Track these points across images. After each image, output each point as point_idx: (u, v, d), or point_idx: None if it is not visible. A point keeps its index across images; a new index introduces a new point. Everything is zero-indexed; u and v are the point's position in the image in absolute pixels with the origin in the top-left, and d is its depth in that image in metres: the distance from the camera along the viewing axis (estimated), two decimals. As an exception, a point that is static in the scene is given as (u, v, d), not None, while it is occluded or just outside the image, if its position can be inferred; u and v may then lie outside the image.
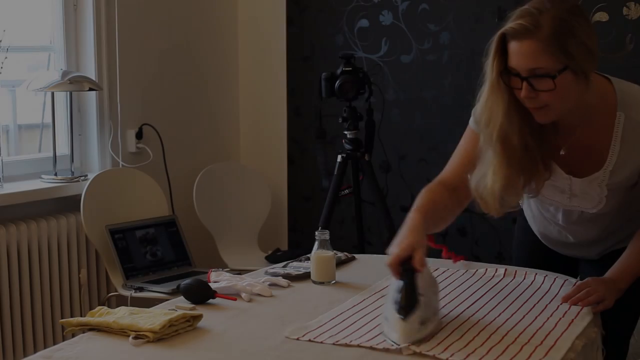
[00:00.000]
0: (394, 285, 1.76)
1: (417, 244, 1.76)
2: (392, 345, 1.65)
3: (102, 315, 1.81)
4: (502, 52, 1.80)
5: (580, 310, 1.91)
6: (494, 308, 1.93)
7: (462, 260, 2.30)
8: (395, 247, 1.76)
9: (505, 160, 1.86)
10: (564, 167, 1.96)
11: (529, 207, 2.24)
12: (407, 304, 1.67)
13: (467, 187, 1.97)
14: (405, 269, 1.73)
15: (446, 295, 2.04)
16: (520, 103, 1.83)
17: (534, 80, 1.77)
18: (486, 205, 1.93)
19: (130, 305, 2.15)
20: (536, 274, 2.19)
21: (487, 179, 1.89)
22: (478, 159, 1.94)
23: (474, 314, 1.89)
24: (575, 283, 2.06)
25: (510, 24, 1.78)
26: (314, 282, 2.16)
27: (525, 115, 1.85)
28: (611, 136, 1.90)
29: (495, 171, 1.87)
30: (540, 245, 2.29)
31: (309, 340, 1.71)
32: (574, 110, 1.86)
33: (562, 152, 1.94)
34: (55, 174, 3.30)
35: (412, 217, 1.85)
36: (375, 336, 1.72)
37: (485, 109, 1.87)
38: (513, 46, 1.78)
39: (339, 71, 3.38)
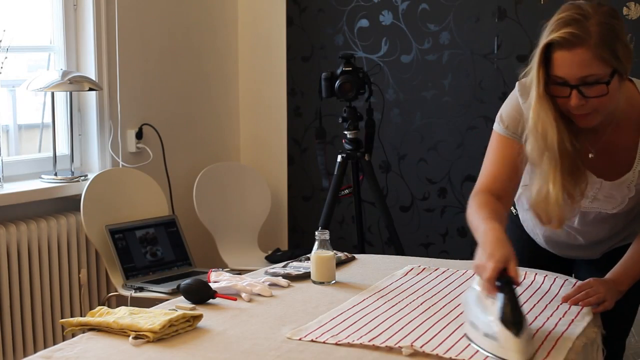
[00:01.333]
0: (474, 298, 1.70)
1: (510, 255, 1.66)
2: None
3: (102, 315, 1.81)
4: (546, 62, 1.77)
5: (581, 310, 1.91)
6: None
7: None
8: (490, 260, 1.65)
9: (560, 168, 1.83)
10: (594, 171, 1.96)
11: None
12: (517, 319, 1.57)
13: (510, 195, 1.97)
14: (505, 282, 1.62)
15: (446, 295, 2.04)
16: (561, 111, 1.82)
17: (584, 88, 1.74)
18: (549, 217, 1.90)
19: (130, 305, 2.15)
20: (536, 274, 2.19)
21: (547, 191, 1.85)
22: (526, 173, 1.92)
23: (474, 314, 1.88)
24: (575, 283, 2.07)
25: (557, 34, 1.74)
26: (314, 282, 2.16)
27: (567, 122, 1.84)
28: (638, 135, 1.90)
29: (555, 181, 1.84)
30: (532, 245, 2.29)
31: (310, 341, 1.71)
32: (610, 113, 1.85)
33: (591, 156, 1.92)
34: (55, 174, 3.30)
35: (492, 228, 1.75)
36: (376, 336, 1.72)
37: (539, 122, 1.82)
38: (561, 56, 1.74)
39: (339, 71, 3.38)
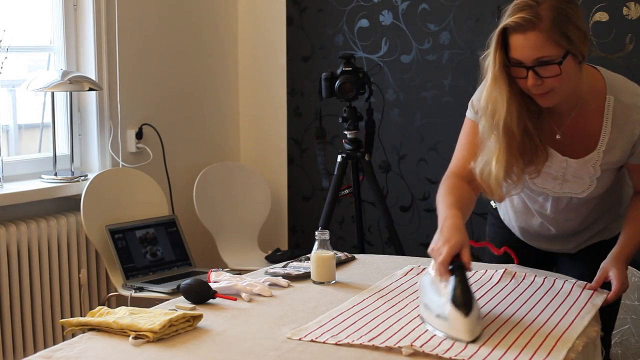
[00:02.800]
0: (429, 283, 1.79)
1: (465, 241, 1.79)
2: (457, 341, 1.66)
3: (102, 315, 1.81)
4: (503, 45, 1.88)
5: (581, 310, 1.91)
6: (494, 308, 1.93)
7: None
8: (444, 245, 1.78)
9: (507, 147, 1.94)
10: (560, 151, 2.04)
11: (510, 204, 2.29)
12: (466, 300, 1.68)
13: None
14: (458, 266, 1.74)
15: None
16: (518, 92, 1.92)
17: (539, 69, 1.85)
18: (491, 191, 2.01)
19: (130, 305, 2.15)
20: (536, 274, 2.19)
21: (491, 166, 1.97)
22: (479, 147, 2.01)
23: (474, 314, 1.89)
24: (575, 282, 2.07)
25: (511, 19, 1.85)
26: (314, 282, 2.16)
27: (524, 103, 1.94)
28: (602, 119, 2.01)
29: (498, 158, 1.95)
30: (515, 241, 2.32)
31: (310, 341, 1.71)
32: (569, 95, 1.95)
33: (558, 137, 2.03)
34: (55, 174, 3.30)
35: (452, 215, 1.87)
36: (376, 336, 1.72)
37: (490, 101, 1.94)
38: (516, 39, 1.85)
39: (339, 71, 3.38)
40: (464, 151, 2.10)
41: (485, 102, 1.96)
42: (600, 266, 2.09)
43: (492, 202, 2.41)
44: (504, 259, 2.28)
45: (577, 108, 2.01)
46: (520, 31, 1.83)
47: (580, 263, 2.27)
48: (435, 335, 1.73)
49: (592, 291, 2.05)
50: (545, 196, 2.16)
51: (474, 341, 1.67)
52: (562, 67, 1.84)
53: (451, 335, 1.68)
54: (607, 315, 2.16)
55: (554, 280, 2.15)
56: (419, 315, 1.83)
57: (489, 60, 1.91)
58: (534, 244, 2.33)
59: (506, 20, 1.86)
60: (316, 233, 2.16)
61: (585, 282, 2.11)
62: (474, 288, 2.07)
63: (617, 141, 2.01)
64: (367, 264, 2.40)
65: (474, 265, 2.31)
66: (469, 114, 2.12)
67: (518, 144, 1.95)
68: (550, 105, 1.94)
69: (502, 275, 2.20)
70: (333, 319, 1.85)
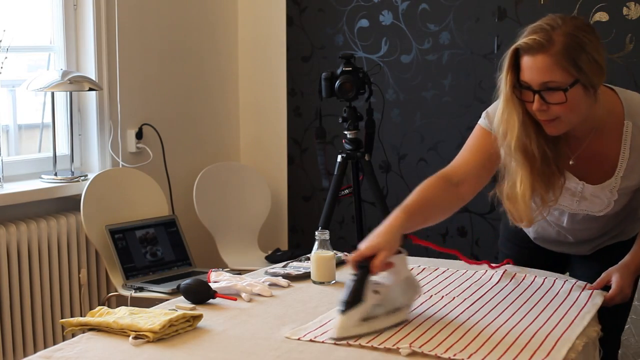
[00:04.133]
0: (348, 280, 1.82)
1: (384, 245, 1.78)
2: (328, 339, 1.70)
3: (102, 315, 1.81)
4: (515, 66, 1.88)
5: (581, 310, 1.91)
6: (494, 308, 1.93)
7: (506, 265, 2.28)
8: (363, 244, 1.79)
9: (529, 169, 1.93)
10: (577, 175, 2.02)
11: None
12: (349, 300, 1.73)
13: (472, 183, 2.03)
14: (360, 266, 1.77)
15: (446, 296, 2.04)
16: (532, 118, 1.90)
17: (545, 94, 1.84)
18: (519, 214, 1.99)
19: (130, 305, 2.15)
20: (536, 275, 2.19)
21: (516, 188, 1.95)
22: (503, 171, 2.00)
23: (474, 314, 1.89)
24: (575, 282, 2.07)
25: (523, 40, 1.85)
26: (314, 282, 2.16)
27: (540, 127, 1.92)
28: (620, 144, 1.97)
29: (522, 180, 1.94)
30: (528, 242, 2.32)
31: (309, 340, 1.71)
32: (584, 122, 1.92)
33: (571, 162, 2.00)
34: (55, 174, 3.30)
35: (393, 217, 1.86)
36: (376, 336, 1.72)
37: (502, 122, 1.93)
38: (526, 61, 1.84)
39: (339, 71, 3.37)
40: (467, 153, 2.08)
41: (497, 122, 1.95)
42: (606, 271, 2.08)
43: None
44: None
45: (593, 133, 1.97)
46: (530, 53, 1.83)
47: (595, 264, 2.22)
48: (434, 336, 1.73)
49: (591, 291, 2.05)
50: (561, 211, 2.14)
51: (340, 341, 1.69)
52: (567, 94, 1.82)
53: (332, 327, 1.74)
54: (615, 318, 2.15)
55: (554, 280, 2.15)
56: (425, 311, 1.87)
57: (501, 81, 1.91)
58: (548, 247, 2.31)
59: (519, 41, 1.86)
60: (316, 233, 2.16)
61: (585, 283, 2.11)
62: (476, 287, 2.09)
63: (636, 166, 1.98)
64: (367, 264, 2.39)
65: (475, 265, 2.33)
66: (481, 121, 2.09)
67: (539, 168, 1.93)
68: (556, 134, 1.92)
69: (502, 276, 2.20)
70: (333, 319, 1.84)
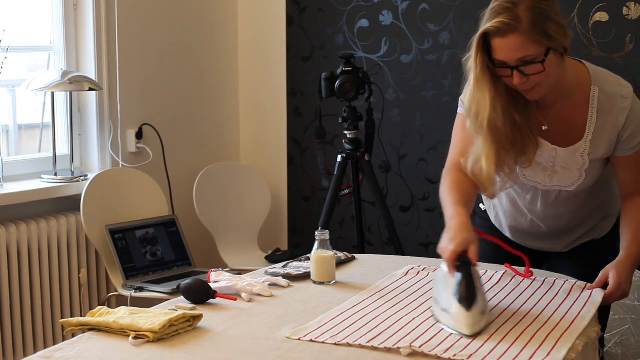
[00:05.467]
0: (442, 278, 1.85)
1: (472, 239, 1.84)
2: (457, 334, 1.71)
3: (102, 315, 1.81)
4: (484, 48, 1.94)
5: (581, 310, 1.91)
6: (494, 308, 1.93)
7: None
8: (451, 243, 1.83)
9: (495, 144, 2.00)
10: (549, 141, 2.10)
11: (499, 205, 2.32)
12: (469, 295, 1.74)
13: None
14: (463, 262, 1.80)
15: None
16: (503, 90, 1.99)
17: (523, 68, 1.90)
18: (484, 187, 2.07)
19: (130, 305, 2.15)
20: (535, 276, 2.19)
21: (481, 164, 2.03)
22: (469, 145, 2.07)
23: (474, 314, 1.89)
24: (578, 284, 2.07)
25: (490, 23, 1.91)
26: (314, 282, 2.16)
27: (510, 98, 2.00)
28: (588, 109, 2.06)
29: (488, 156, 2.02)
30: (505, 241, 2.32)
31: (310, 341, 1.71)
32: (554, 86, 2.01)
33: (544, 127, 2.09)
34: (55, 174, 3.30)
35: (458, 213, 1.92)
36: (375, 337, 1.72)
37: (473, 102, 2.01)
38: (498, 42, 1.91)
39: (339, 71, 3.38)
40: (460, 144, 2.15)
41: (469, 103, 2.03)
42: (604, 269, 2.09)
43: (480, 205, 2.45)
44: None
45: (563, 99, 2.06)
46: (500, 35, 1.89)
47: (571, 263, 2.29)
48: (434, 335, 1.73)
49: (591, 291, 2.05)
50: (534, 192, 2.18)
51: (475, 336, 1.70)
52: (545, 64, 1.90)
53: (454, 328, 1.73)
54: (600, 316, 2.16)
55: (554, 280, 2.15)
56: (426, 311, 1.89)
57: (471, 63, 1.98)
58: (525, 244, 2.34)
59: (486, 25, 1.92)
60: (316, 233, 2.16)
61: (585, 283, 2.11)
62: (485, 285, 2.09)
63: (603, 130, 2.06)
64: (367, 264, 2.40)
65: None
66: (460, 110, 2.18)
67: (508, 137, 2.01)
68: (537, 98, 2.00)
69: (502, 276, 2.20)
70: (333, 319, 1.85)
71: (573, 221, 2.23)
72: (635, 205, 2.13)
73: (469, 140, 2.08)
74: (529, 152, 2.06)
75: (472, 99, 2.01)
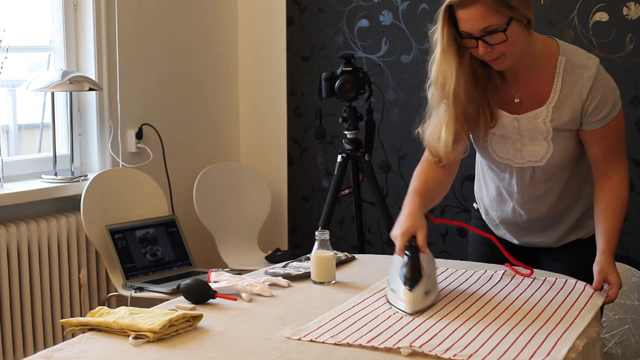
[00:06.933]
0: (396, 262, 1.96)
1: (417, 226, 2.00)
2: (400, 313, 1.86)
3: (102, 315, 1.81)
4: (450, 20, 2.04)
5: (581, 310, 1.91)
6: (494, 308, 1.93)
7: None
8: (398, 230, 2.00)
9: (455, 115, 2.11)
10: (515, 113, 2.16)
11: (486, 193, 2.36)
12: (413, 276, 1.90)
13: (454, 159, 2.21)
14: (409, 246, 1.95)
15: (446, 296, 2.04)
16: (468, 62, 2.09)
17: (487, 37, 2.00)
18: (439, 155, 2.18)
19: (130, 305, 2.15)
20: (535, 277, 2.19)
21: (440, 132, 2.14)
22: (427, 115, 2.19)
23: (475, 314, 1.89)
24: (578, 285, 2.07)
25: None
26: (314, 282, 2.16)
27: (473, 71, 2.11)
28: (553, 81, 2.13)
29: (448, 125, 2.12)
30: (498, 239, 2.32)
31: (310, 341, 1.71)
32: (522, 58, 2.09)
33: (517, 100, 2.15)
34: (55, 174, 3.30)
35: (410, 201, 2.08)
36: (375, 337, 1.72)
37: (440, 73, 2.09)
38: (462, 14, 2.00)
39: (339, 71, 3.38)
40: None
41: (435, 73, 2.10)
42: (597, 269, 2.09)
43: (474, 204, 2.48)
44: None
45: (532, 71, 2.13)
46: (463, 6, 1.99)
47: (561, 262, 2.31)
48: (434, 335, 1.73)
49: (592, 291, 2.05)
50: (510, 171, 2.23)
51: (417, 314, 1.85)
52: (507, 33, 1.98)
53: (397, 306, 1.89)
54: None
55: (554, 280, 2.15)
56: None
57: (437, 35, 2.07)
58: (519, 239, 2.36)
59: None
60: (316, 233, 2.16)
61: (585, 283, 2.11)
62: (476, 287, 2.10)
63: (567, 99, 2.10)
64: (367, 264, 2.40)
65: (475, 265, 2.34)
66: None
67: (464, 109, 2.11)
68: (503, 68, 2.08)
69: (502, 276, 2.20)
70: (333, 319, 1.85)
71: (554, 208, 2.25)
72: (606, 190, 2.14)
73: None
74: (484, 125, 2.16)
75: (439, 70, 2.09)
